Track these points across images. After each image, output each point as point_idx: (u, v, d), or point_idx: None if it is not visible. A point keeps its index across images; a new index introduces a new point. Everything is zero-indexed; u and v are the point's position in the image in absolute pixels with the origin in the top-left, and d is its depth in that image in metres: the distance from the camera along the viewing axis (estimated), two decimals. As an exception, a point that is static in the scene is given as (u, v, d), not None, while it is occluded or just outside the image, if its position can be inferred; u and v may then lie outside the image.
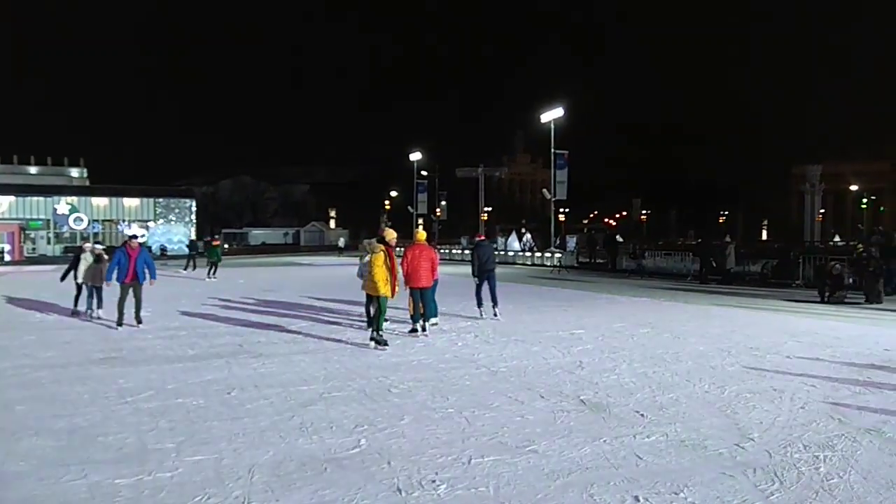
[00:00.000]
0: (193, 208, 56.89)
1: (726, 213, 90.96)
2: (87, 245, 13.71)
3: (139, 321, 11.36)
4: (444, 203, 59.59)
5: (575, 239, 35.01)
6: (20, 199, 50.98)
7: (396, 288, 9.52)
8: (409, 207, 56.04)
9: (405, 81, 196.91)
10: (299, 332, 10.76)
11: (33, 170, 75.45)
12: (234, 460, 4.74)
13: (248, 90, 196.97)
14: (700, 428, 5.50)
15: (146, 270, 11.43)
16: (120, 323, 11.16)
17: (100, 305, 12.49)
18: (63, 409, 6.09)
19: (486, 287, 12.46)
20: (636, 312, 13.45)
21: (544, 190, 35.96)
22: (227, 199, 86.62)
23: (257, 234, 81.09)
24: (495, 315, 12.22)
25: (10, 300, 16.17)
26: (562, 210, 57.32)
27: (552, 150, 33.20)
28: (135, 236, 12.32)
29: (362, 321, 11.38)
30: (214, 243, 26.23)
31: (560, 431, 5.39)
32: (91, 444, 5.08)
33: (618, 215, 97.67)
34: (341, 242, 56.62)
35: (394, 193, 73.62)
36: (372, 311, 11.04)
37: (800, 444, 5.07)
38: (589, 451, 4.89)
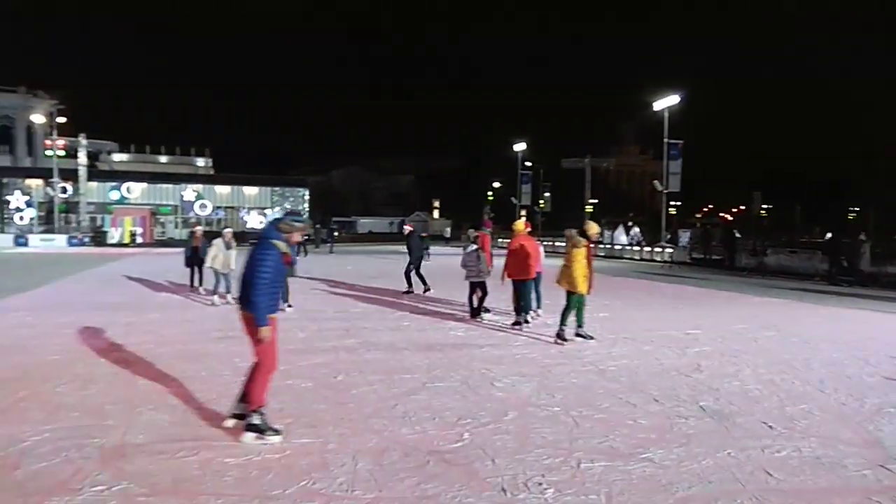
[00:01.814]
0: (307, 197, 59.18)
1: (857, 209, 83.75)
2: (227, 231, 13.52)
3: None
4: (547, 194, 58.58)
5: (688, 233, 33.24)
6: (151, 186, 55.12)
7: (594, 284, 9.11)
8: (513, 198, 55.60)
9: (510, 69, 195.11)
10: (403, 320, 10.82)
11: (163, 159, 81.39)
12: (339, 445, 4.74)
13: (359, 85, 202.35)
14: (837, 445, 4.94)
15: None
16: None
17: (228, 290, 12.74)
18: (181, 385, 6.36)
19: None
20: (758, 313, 12.53)
21: (655, 182, 34.48)
22: (337, 189, 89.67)
23: (365, 223, 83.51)
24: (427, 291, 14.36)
25: (139, 280, 17.41)
26: (673, 203, 54.90)
27: (665, 140, 31.72)
28: None
29: (465, 311, 11.29)
30: (423, 235, 30.89)
31: (677, 439, 5.01)
32: (205, 422, 5.25)
33: (735, 209, 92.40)
34: (447, 232, 57.12)
35: (497, 184, 73.30)
36: (475, 301, 10.97)
37: (962, 472, 4.42)
38: (711, 464, 4.50)
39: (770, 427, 5.36)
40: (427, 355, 8.03)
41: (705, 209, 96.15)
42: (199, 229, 15.12)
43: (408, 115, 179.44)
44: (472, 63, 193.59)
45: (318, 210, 63.87)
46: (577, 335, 9.08)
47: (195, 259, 14.24)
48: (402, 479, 4.16)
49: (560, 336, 8.90)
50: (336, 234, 45.15)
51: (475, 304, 10.96)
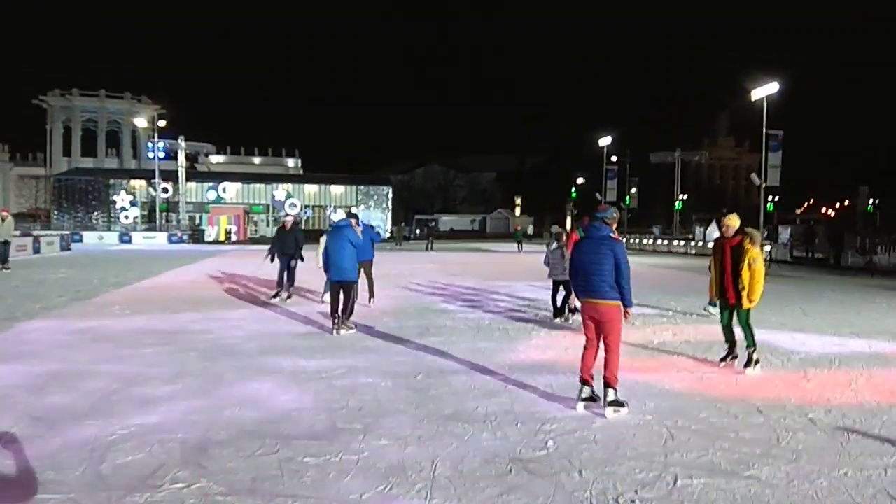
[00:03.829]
0: (390, 195, 60.10)
1: (978, 203, 76.50)
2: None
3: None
4: (634, 190, 56.79)
5: (789, 230, 31.27)
6: (245, 185, 57.51)
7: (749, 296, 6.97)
8: (597, 194, 54.26)
9: (594, 59, 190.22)
10: (483, 319, 10.61)
11: (256, 160, 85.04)
12: (417, 449, 4.59)
13: (437, 84, 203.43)
14: (978, 469, 4.34)
15: None
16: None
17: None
18: (265, 382, 6.41)
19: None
20: (870, 318, 11.50)
21: (753, 175, 32.72)
22: (419, 187, 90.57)
23: (446, 221, 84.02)
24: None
25: (232, 276, 18.03)
26: (770, 198, 52.01)
27: (764, 131, 29.96)
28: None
29: (548, 311, 10.95)
30: (517, 227, 35.04)
31: (785, 456, 4.54)
32: (286, 419, 5.23)
33: (838, 204, 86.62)
34: (530, 230, 56.55)
35: (581, 180, 71.82)
36: (559, 300, 10.61)
37: None
38: (826, 485, 4.03)
39: (892, 444, 4.79)
40: (509, 356, 7.78)
41: (806, 204, 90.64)
42: (290, 219, 14.89)
43: (489, 109, 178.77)
44: (557, 51, 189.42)
45: (401, 208, 64.66)
46: (749, 358, 7.12)
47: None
48: (483, 488, 3.95)
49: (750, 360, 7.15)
50: (418, 231, 45.59)
51: (559, 303, 10.62)
